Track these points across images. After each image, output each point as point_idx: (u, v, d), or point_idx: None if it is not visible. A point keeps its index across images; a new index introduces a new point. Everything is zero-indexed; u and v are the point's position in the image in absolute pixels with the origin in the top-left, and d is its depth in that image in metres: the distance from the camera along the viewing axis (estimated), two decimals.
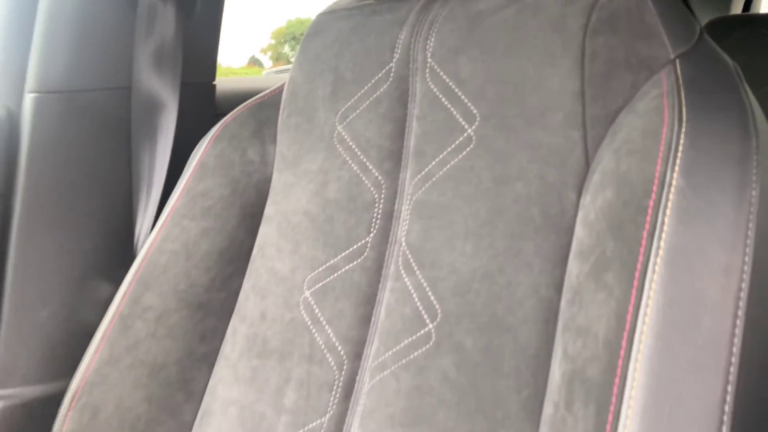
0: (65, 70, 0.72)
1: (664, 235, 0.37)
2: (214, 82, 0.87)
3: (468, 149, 0.52)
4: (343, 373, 0.55)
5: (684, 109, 0.41)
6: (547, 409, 0.42)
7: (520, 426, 0.44)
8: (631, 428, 0.33)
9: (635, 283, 0.37)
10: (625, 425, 0.33)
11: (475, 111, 0.53)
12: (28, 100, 0.72)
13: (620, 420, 0.34)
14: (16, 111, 0.73)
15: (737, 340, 0.33)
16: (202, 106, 0.83)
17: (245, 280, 0.64)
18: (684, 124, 0.40)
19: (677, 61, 0.46)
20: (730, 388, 0.33)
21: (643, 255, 0.37)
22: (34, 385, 0.72)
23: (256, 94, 0.72)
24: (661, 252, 0.36)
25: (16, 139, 0.72)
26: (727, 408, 0.32)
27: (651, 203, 0.38)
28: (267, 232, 0.64)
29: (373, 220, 0.58)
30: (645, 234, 0.37)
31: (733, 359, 0.33)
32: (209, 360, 0.63)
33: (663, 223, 0.37)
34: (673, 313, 0.34)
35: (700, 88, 0.43)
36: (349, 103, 0.61)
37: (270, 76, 2.26)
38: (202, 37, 0.85)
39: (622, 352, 0.35)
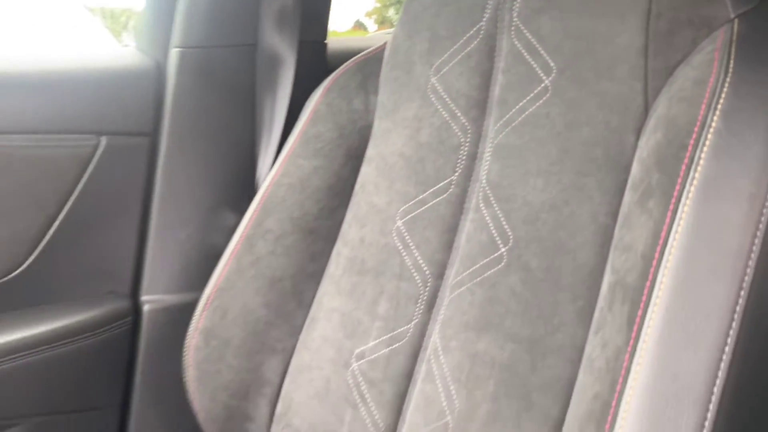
0: (204, 28, 0.85)
1: (699, 168, 0.43)
2: (326, 41, 0.98)
3: (544, 98, 0.60)
4: (427, 288, 0.65)
5: (732, 61, 0.47)
6: (596, 314, 0.50)
7: (574, 330, 0.53)
8: (656, 320, 0.41)
9: (671, 206, 0.44)
10: (651, 317, 0.41)
11: (552, 64, 0.60)
12: (173, 54, 0.85)
13: (647, 314, 0.42)
14: (163, 63, 0.86)
15: (754, 256, 0.40)
16: (315, 61, 0.93)
17: (348, 212, 0.75)
18: (729, 75, 0.46)
19: (736, 20, 0.51)
20: (743, 294, 0.40)
21: (680, 184, 0.44)
22: (174, 293, 0.87)
23: (361, 51, 0.82)
24: (695, 181, 0.43)
25: (162, 88, 0.86)
26: (738, 309, 0.39)
27: (692, 141, 0.45)
28: (367, 171, 0.74)
29: (459, 161, 0.66)
30: (683, 167, 0.44)
31: (749, 270, 0.40)
32: (317, 277, 0.75)
33: (699, 158, 0.44)
34: (700, 230, 0.41)
35: (751, 44, 0.48)
36: (442, 58, 0.69)
37: (374, 35, 2.35)
38: None
39: (654, 262, 0.43)
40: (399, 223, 0.68)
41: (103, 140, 0.82)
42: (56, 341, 0.80)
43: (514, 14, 0.64)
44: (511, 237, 0.59)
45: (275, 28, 0.88)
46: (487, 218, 0.61)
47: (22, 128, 0.78)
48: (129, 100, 0.84)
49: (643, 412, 0.39)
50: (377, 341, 0.66)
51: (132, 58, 0.89)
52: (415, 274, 0.66)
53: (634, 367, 0.41)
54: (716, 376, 0.38)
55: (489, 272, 0.59)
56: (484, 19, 0.67)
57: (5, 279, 0.79)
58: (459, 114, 0.67)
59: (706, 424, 0.37)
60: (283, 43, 0.88)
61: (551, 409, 0.52)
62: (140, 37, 0.92)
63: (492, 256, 0.60)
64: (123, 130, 0.84)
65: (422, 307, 0.65)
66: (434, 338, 0.62)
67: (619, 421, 0.40)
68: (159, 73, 0.86)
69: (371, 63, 0.79)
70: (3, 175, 0.77)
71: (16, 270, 0.80)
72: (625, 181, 0.53)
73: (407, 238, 0.67)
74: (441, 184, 0.67)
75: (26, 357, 0.78)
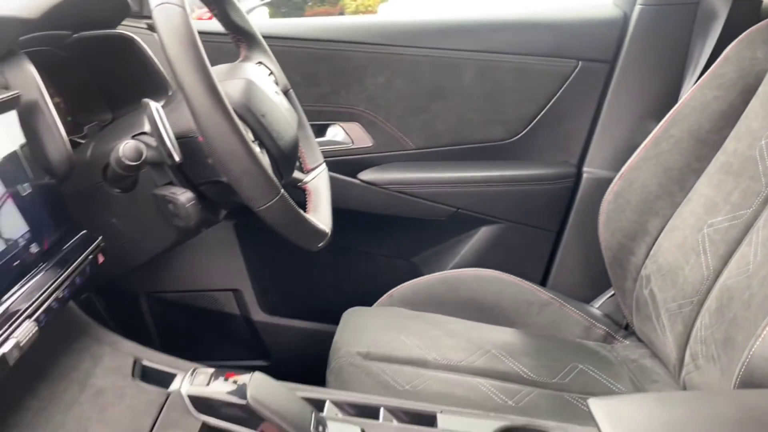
0: None
1: None
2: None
3: None
4: (766, 188, 0.95)
5: None
6: None
7: None
8: None
9: None
10: None
11: None
12: (636, 9, 1.25)
13: None
14: (629, 15, 1.27)
15: None
16: (749, 17, 1.20)
17: (732, 131, 1.06)
18: None
19: None
20: None
21: None
22: (605, 170, 1.32)
23: None
24: None
25: (625, 33, 1.27)
26: None
27: None
28: (754, 104, 1.03)
29: None
30: None
31: None
32: (698, 173, 1.09)
33: None
34: None
35: None
36: None
37: None
38: None
39: None
40: (763, 142, 0.98)
41: (581, 64, 1.30)
42: (518, 182, 1.35)
43: None
44: None
45: None
46: None
47: (537, 52, 1.31)
48: (601, 38, 1.29)
49: None
50: (724, 217, 1.00)
51: (609, 10, 1.32)
52: (762, 179, 0.96)
53: None
54: None
55: None
56: None
57: (509, 141, 1.37)
58: None
59: None
60: (720, 1, 1.19)
61: None
62: None
63: None
64: (594, 57, 1.30)
65: (760, 200, 0.96)
66: (760, 222, 0.94)
67: None
68: (625, 21, 1.28)
69: None
70: (521, 80, 1.32)
71: (514, 137, 1.37)
72: None
73: (762, 163, 0.97)
74: None
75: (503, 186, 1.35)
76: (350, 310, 1.17)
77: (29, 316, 0.57)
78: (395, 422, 0.69)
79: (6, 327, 0.55)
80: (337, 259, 1.43)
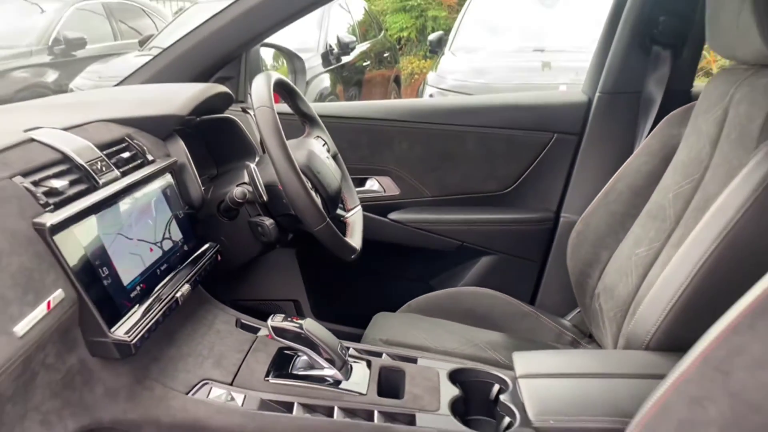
0: (614, 80, 1.65)
1: None
2: (691, 89, 1.64)
3: None
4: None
5: None
6: None
7: None
8: None
9: None
10: None
11: None
12: (596, 96, 1.68)
13: None
14: (592, 100, 1.71)
15: None
16: (678, 99, 1.62)
17: (655, 189, 1.46)
18: None
19: None
20: None
21: None
22: (577, 215, 1.74)
23: None
24: None
25: (588, 114, 1.70)
26: None
27: None
28: (669, 168, 1.44)
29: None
30: None
31: None
32: (633, 217, 1.49)
33: None
34: None
35: None
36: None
37: None
38: None
39: None
40: (671, 194, 1.38)
41: (556, 135, 1.73)
42: (510, 223, 1.78)
43: None
44: None
45: (655, 79, 1.61)
46: None
47: (523, 127, 1.75)
48: (572, 117, 1.72)
49: None
50: (644, 248, 1.39)
51: (577, 95, 1.76)
52: (667, 220, 1.36)
53: None
54: None
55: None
56: None
57: (502, 192, 1.80)
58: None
59: None
60: (657, 90, 1.61)
61: None
62: (586, 83, 1.78)
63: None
64: (566, 130, 1.73)
65: (666, 234, 1.35)
66: (664, 250, 1.33)
67: None
68: (589, 104, 1.71)
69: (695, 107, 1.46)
70: (511, 147, 1.76)
71: (506, 190, 1.80)
72: None
73: (670, 209, 1.36)
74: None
75: (498, 226, 1.78)
76: (378, 314, 1.60)
77: (187, 282, 1.03)
78: (389, 359, 1.11)
79: (177, 286, 1.01)
80: (370, 279, 1.87)
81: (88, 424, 0.82)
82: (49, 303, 0.73)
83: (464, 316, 1.61)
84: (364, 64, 6.05)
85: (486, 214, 1.81)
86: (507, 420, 0.96)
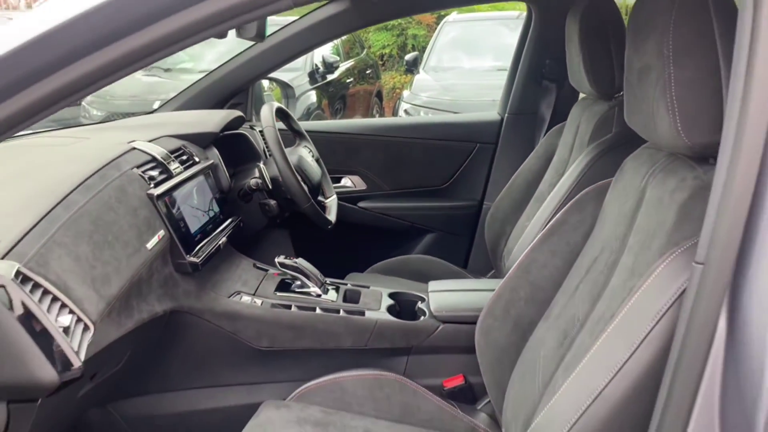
0: (517, 103, 2.31)
1: None
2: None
3: None
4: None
5: None
6: None
7: None
8: None
9: None
10: None
11: None
12: (505, 117, 2.34)
13: None
14: (503, 118, 2.36)
15: None
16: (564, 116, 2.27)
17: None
18: None
19: None
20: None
21: None
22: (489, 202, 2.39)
23: None
24: None
25: (500, 127, 2.36)
26: None
27: None
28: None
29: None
30: None
31: None
32: (535, 199, 2.14)
33: None
34: None
35: None
36: None
37: None
38: None
39: None
40: (547, 185, 2.02)
41: (478, 145, 2.39)
42: (447, 209, 2.43)
43: None
44: None
45: (546, 104, 2.27)
46: None
47: (455, 138, 2.41)
48: (490, 131, 2.38)
49: None
50: (534, 218, 2.03)
51: (494, 115, 2.42)
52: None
53: None
54: None
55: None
56: None
57: (441, 186, 2.45)
58: None
59: None
60: (547, 112, 2.26)
61: None
62: (499, 105, 2.44)
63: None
64: (486, 141, 2.39)
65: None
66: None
67: None
68: (501, 121, 2.38)
69: None
70: (446, 153, 2.41)
71: (444, 185, 2.45)
72: None
73: (546, 194, 2.01)
74: None
75: (438, 211, 2.44)
76: (350, 274, 2.23)
77: (225, 235, 1.67)
78: (351, 286, 1.75)
79: (219, 238, 1.64)
80: (345, 250, 2.51)
81: (174, 307, 1.45)
82: (159, 235, 1.36)
83: (412, 275, 2.25)
84: (348, 80, 6.68)
85: (429, 202, 2.47)
86: (422, 317, 1.61)
